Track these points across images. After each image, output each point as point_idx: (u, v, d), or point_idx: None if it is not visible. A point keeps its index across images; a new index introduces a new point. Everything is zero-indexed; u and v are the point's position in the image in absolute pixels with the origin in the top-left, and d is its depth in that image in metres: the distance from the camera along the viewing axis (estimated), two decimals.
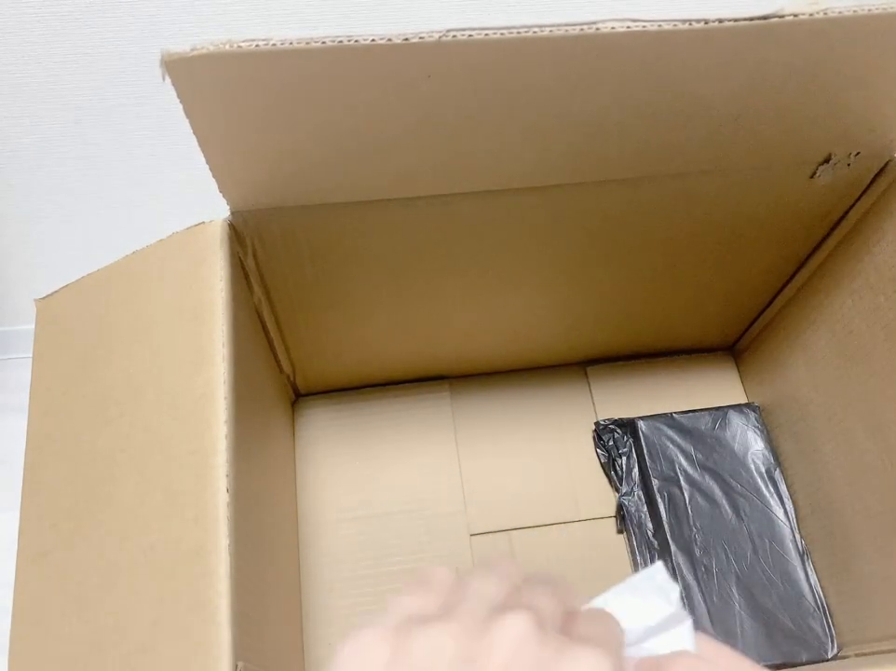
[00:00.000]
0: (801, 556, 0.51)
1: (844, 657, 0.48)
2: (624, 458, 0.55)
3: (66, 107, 0.72)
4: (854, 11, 0.29)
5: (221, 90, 0.28)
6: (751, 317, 0.57)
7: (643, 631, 0.22)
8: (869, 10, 0.29)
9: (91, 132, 0.75)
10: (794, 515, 0.53)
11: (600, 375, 0.60)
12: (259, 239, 0.38)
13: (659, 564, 0.23)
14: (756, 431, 0.55)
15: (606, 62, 0.30)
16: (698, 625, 0.24)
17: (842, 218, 0.45)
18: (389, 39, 0.27)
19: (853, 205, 0.43)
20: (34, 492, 0.32)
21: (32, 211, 0.83)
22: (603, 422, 0.57)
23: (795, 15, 0.29)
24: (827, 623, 0.49)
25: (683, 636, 0.22)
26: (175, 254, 0.35)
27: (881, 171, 0.41)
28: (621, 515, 0.54)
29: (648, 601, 0.23)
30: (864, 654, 0.47)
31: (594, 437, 0.57)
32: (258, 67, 0.28)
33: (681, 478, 0.54)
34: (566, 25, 0.28)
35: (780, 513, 0.53)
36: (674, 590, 0.23)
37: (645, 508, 0.54)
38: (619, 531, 0.54)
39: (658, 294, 0.52)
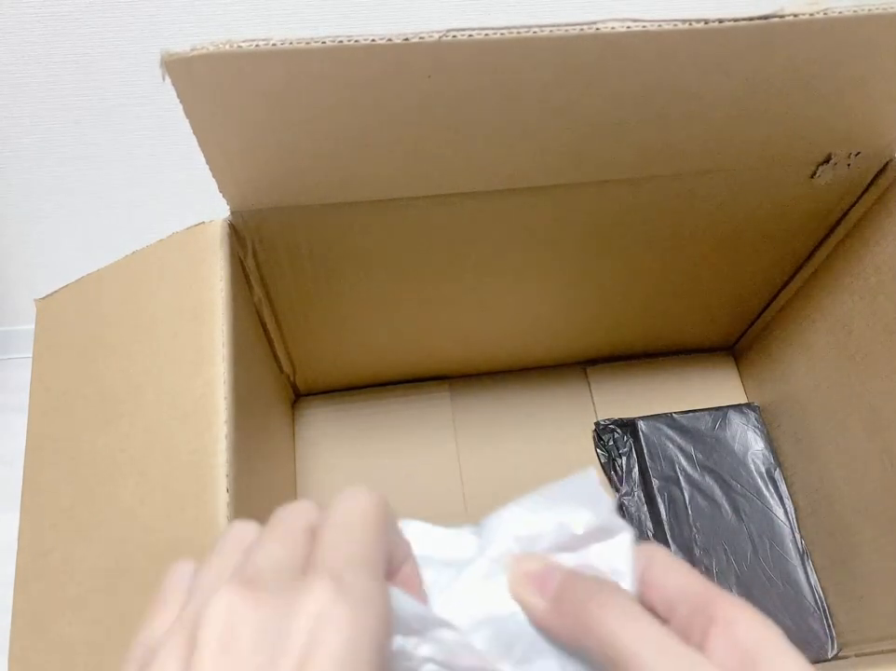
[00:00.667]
0: (801, 556, 0.51)
1: (844, 657, 0.48)
2: (624, 458, 0.55)
3: (66, 107, 0.72)
4: (854, 11, 0.29)
5: (221, 90, 0.28)
6: (751, 317, 0.57)
7: (569, 539, 0.21)
8: (869, 10, 0.29)
9: (91, 132, 0.75)
10: (794, 515, 0.53)
11: (600, 375, 0.60)
12: (259, 239, 0.38)
13: (591, 472, 0.22)
14: (756, 431, 0.55)
15: (606, 62, 0.30)
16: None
17: (842, 218, 0.45)
18: (389, 39, 0.27)
19: (853, 205, 0.43)
20: (34, 492, 0.32)
21: (32, 211, 0.83)
22: (603, 422, 0.57)
23: (795, 15, 0.29)
24: (827, 623, 0.49)
25: (619, 550, 0.21)
26: (175, 254, 0.35)
27: (881, 170, 0.41)
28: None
29: (572, 509, 0.21)
30: (864, 654, 0.47)
31: (594, 437, 0.57)
32: (258, 67, 0.28)
33: (681, 478, 0.54)
34: (566, 25, 0.28)
35: (780, 513, 0.53)
36: (603, 500, 0.21)
37: (645, 508, 0.54)
38: None
39: (657, 294, 0.52)
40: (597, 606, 0.19)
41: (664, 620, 0.19)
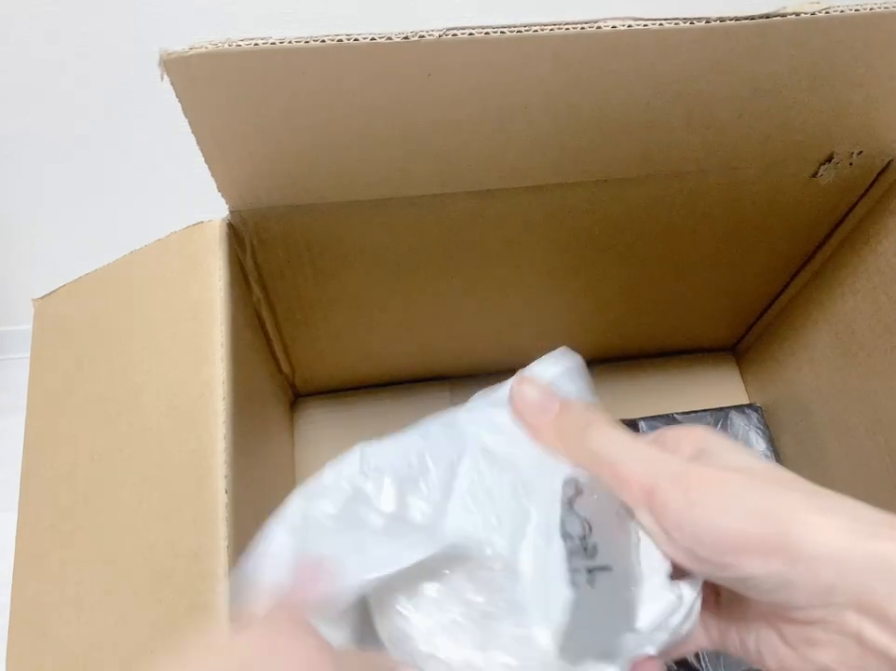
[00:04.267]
0: None
1: None
2: None
3: (66, 107, 0.72)
4: (856, 10, 0.29)
5: (220, 90, 0.28)
6: (753, 317, 0.57)
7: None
8: (871, 9, 0.29)
9: (91, 132, 0.75)
10: None
11: (600, 375, 0.60)
12: (258, 239, 0.38)
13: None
14: (758, 431, 0.55)
15: (607, 62, 0.30)
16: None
17: (844, 217, 0.45)
18: (389, 39, 0.27)
19: (855, 204, 0.43)
20: (33, 492, 0.32)
21: (32, 211, 0.83)
22: None
23: (797, 14, 0.29)
24: None
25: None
26: (174, 254, 0.35)
27: (883, 169, 0.41)
28: None
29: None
30: None
31: None
32: (257, 66, 0.28)
33: None
34: (566, 25, 0.28)
35: None
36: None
37: None
38: None
39: (658, 294, 0.51)
40: (586, 429, 0.25)
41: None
